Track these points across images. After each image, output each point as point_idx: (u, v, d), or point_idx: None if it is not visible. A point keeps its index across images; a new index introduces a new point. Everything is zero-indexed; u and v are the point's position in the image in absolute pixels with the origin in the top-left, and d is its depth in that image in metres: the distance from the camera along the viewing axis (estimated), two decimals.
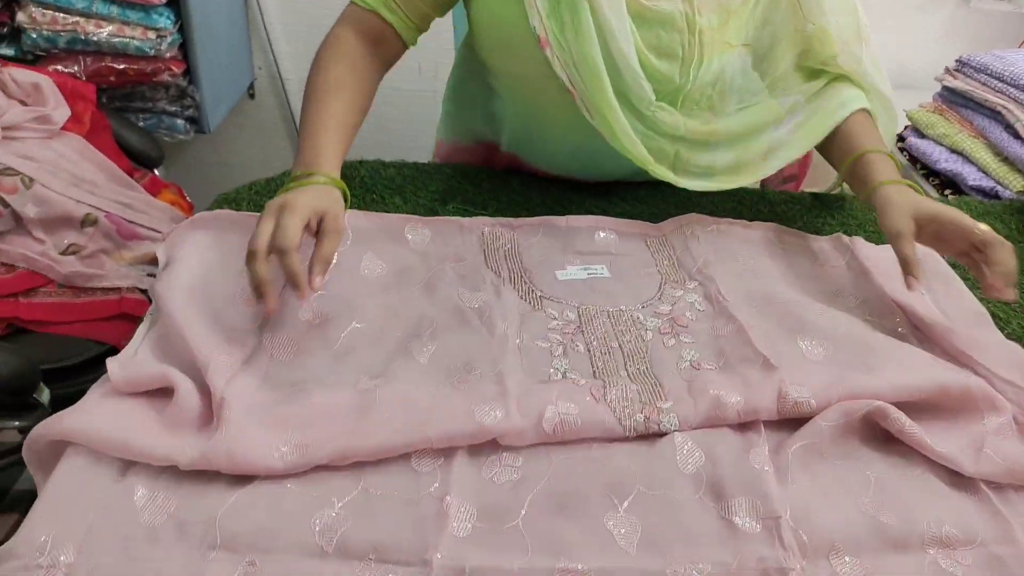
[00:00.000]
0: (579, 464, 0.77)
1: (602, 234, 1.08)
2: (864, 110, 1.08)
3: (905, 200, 0.97)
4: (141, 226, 1.42)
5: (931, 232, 0.96)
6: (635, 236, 1.08)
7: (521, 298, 0.97)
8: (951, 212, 0.94)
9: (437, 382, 0.83)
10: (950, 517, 0.76)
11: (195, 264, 0.91)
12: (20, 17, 1.55)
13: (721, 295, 0.99)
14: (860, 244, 1.10)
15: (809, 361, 0.91)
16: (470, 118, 1.18)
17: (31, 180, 1.32)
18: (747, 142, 1.07)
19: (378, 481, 0.73)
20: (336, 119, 0.95)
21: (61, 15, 1.55)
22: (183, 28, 1.66)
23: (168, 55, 1.63)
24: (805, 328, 0.96)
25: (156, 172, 1.63)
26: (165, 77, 1.66)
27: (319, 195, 0.87)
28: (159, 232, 1.43)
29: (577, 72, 0.96)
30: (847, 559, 0.72)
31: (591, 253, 1.05)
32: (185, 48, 1.70)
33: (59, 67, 1.60)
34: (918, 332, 0.99)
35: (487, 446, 0.78)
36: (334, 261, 0.87)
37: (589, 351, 0.91)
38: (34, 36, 1.56)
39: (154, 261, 1.39)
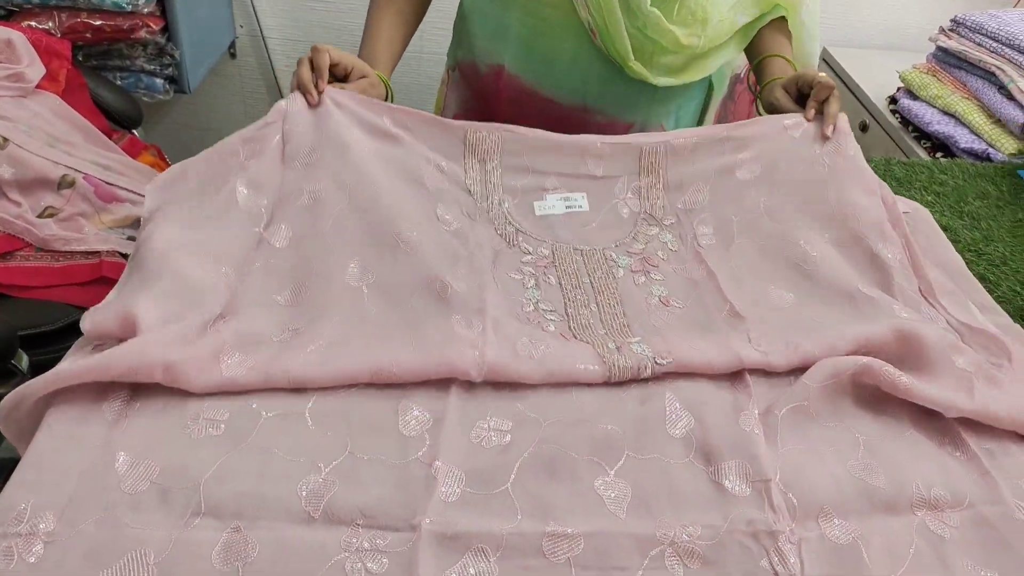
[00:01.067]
0: (568, 428, 0.77)
1: (590, 161, 1.06)
2: (783, 20, 1.20)
3: (776, 80, 1.12)
4: (120, 188, 1.39)
5: (798, 91, 1.09)
6: (629, 152, 1.06)
7: (496, 231, 0.99)
8: (801, 71, 1.09)
9: (419, 293, 0.88)
10: (939, 479, 0.76)
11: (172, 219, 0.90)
12: None
13: (696, 238, 1.01)
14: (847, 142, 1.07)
15: (776, 308, 0.93)
16: (480, 35, 1.20)
17: (5, 140, 1.29)
18: (704, 56, 1.17)
19: (365, 445, 0.72)
20: (388, 29, 1.12)
21: None
22: None
23: (146, 11, 1.59)
24: (779, 269, 0.98)
25: (135, 133, 1.59)
26: (143, 34, 1.61)
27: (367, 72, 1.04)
28: (139, 194, 1.40)
29: None
30: (836, 521, 0.71)
31: (575, 176, 1.05)
32: (163, 4, 1.65)
33: (33, 23, 1.54)
34: (898, 251, 1.00)
35: (475, 408, 0.77)
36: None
37: (560, 284, 0.94)
38: None
39: (134, 224, 1.37)
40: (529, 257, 0.98)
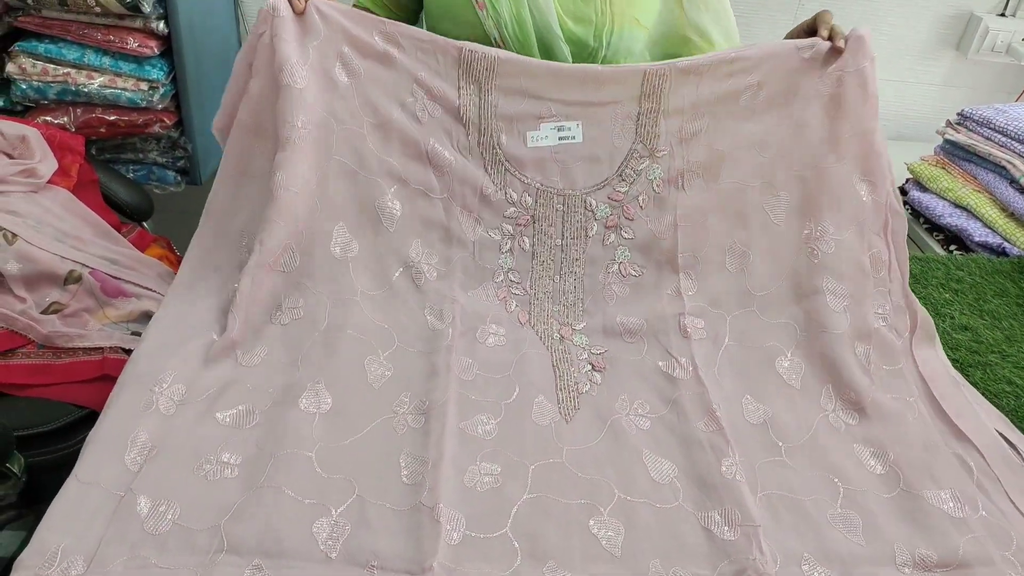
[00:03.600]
0: (554, 474, 0.82)
1: (590, 86, 1.04)
2: None
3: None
4: (127, 282, 1.38)
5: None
6: (633, 76, 1.05)
7: (486, 169, 1.03)
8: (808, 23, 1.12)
9: (399, 276, 0.98)
10: (923, 538, 0.78)
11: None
12: (10, 68, 1.52)
13: (683, 175, 1.05)
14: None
15: (726, 268, 1.02)
16: None
17: (14, 236, 1.28)
18: None
19: (371, 488, 0.77)
20: None
21: (52, 66, 1.53)
22: (176, 79, 1.64)
23: (160, 107, 1.61)
24: (746, 210, 1.04)
25: (145, 226, 1.60)
26: (156, 129, 1.63)
27: None
28: (145, 288, 1.39)
29: (508, 31, 1.09)
30: (820, 569, 0.75)
31: (572, 102, 1.04)
32: (178, 99, 1.68)
33: (48, 118, 1.57)
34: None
35: (465, 453, 0.82)
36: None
37: (533, 251, 1.02)
38: (23, 87, 1.54)
39: (139, 319, 1.35)
40: (512, 210, 1.02)
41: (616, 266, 1.03)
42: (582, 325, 1.00)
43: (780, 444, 0.88)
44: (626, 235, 1.04)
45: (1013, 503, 0.82)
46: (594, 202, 1.03)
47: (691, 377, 0.92)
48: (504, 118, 1.03)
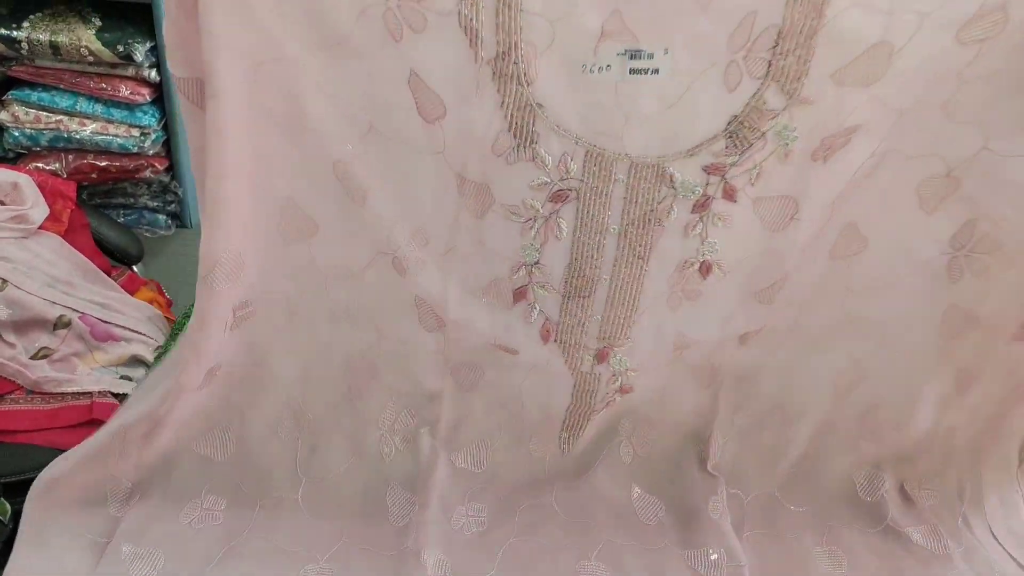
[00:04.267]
0: (542, 517, 0.81)
1: None
2: None
3: None
4: (117, 326, 1.38)
5: None
6: None
7: (504, 115, 0.64)
8: None
9: (375, 265, 0.72)
10: None
11: None
12: (3, 116, 1.55)
13: (826, 150, 0.66)
14: None
15: (830, 271, 0.73)
16: None
17: (4, 282, 1.29)
18: None
19: (358, 532, 0.76)
20: None
21: (45, 114, 1.55)
22: (167, 124, 1.66)
23: (152, 152, 1.63)
24: (878, 209, 0.70)
25: (135, 269, 1.61)
26: (148, 174, 1.65)
27: None
28: (135, 332, 1.39)
29: None
30: None
31: (658, 13, 0.61)
32: (169, 144, 1.70)
33: (40, 164, 1.59)
34: None
35: (454, 493, 0.81)
36: None
37: (574, 237, 0.68)
38: (16, 134, 1.56)
39: (129, 362, 1.36)
40: (544, 180, 0.65)
41: (696, 267, 0.70)
42: (627, 346, 0.74)
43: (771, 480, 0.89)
44: (720, 223, 0.68)
45: (995, 538, 0.83)
46: (679, 174, 0.65)
47: (708, 400, 0.85)
48: (538, 29, 0.61)
